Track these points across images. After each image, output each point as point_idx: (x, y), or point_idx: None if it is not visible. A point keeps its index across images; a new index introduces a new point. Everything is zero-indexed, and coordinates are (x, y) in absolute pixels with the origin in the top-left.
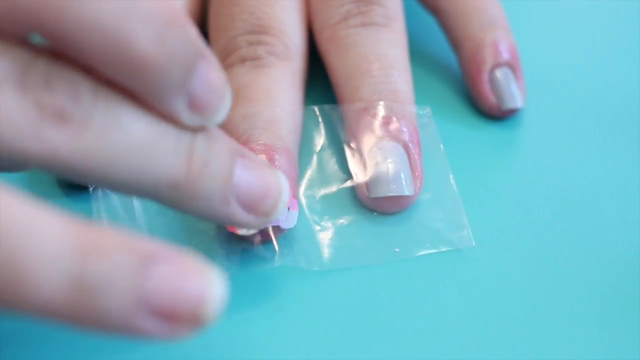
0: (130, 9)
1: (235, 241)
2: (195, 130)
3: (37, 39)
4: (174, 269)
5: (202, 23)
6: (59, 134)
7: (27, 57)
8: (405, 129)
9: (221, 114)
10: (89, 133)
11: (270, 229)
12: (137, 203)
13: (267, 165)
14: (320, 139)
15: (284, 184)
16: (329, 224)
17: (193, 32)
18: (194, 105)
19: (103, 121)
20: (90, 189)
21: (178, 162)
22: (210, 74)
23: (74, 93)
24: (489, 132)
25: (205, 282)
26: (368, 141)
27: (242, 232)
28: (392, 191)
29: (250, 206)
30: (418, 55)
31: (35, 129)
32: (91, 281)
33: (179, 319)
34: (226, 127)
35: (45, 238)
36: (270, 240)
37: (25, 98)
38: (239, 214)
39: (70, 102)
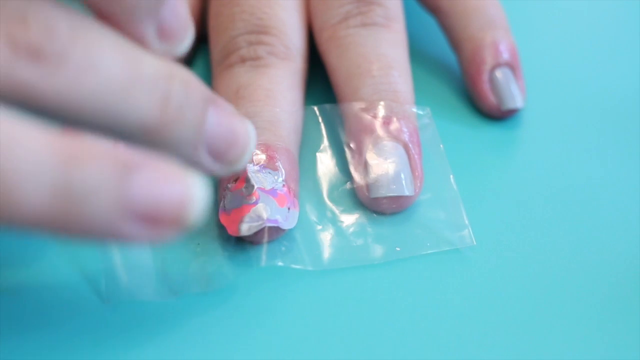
0: None
1: (235, 242)
2: (169, 69)
3: None
4: (155, 174)
5: (202, 23)
6: (31, 71)
7: None
8: (405, 129)
9: (186, 44)
10: (64, 71)
11: (266, 229)
12: None
13: (236, 114)
14: (320, 139)
15: (252, 134)
16: (330, 224)
17: None
18: (163, 32)
19: (79, 59)
20: None
21: (153, 105)
22: (177, 3)
23: (50, 29)
24: (489, 132)
25: (185, 184)
26: (368, 141)
27: (243, 233)
28: (392, 191)
29: (217, 154)
30: (418, 55)
31: (7, 65)
32: (76, 188)
33: (163, 222)
34: None
35: (28, 149)
36: (273, 240)
37: None
38: (206, 161)
39: (45, 38)
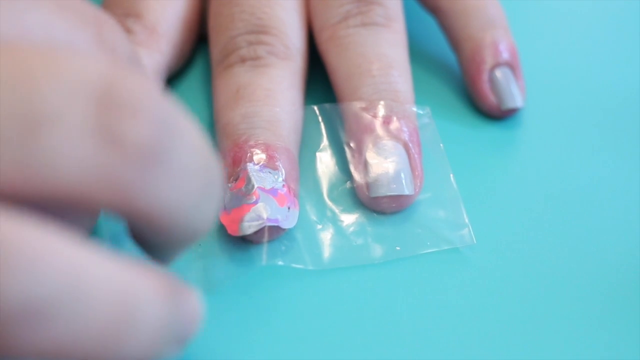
0: None
1: (236, 241)
2: None
3: None
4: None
5: (202, 23)
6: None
7: None
8: (405, 129)
9: None
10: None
11: (266, 229)
12: None
13: None
14: (320, 139)
15: None
16: (329, 224)
17: None
18: None
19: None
20: None
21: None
22: None
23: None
24: (489, 132)
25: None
26: (368, 141)
27: (243, 233)
28: (392, 191)
29: None
30: (418, 55)
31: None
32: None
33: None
34: (226, 127)
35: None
36: (273, 240)
37: None
38: None
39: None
